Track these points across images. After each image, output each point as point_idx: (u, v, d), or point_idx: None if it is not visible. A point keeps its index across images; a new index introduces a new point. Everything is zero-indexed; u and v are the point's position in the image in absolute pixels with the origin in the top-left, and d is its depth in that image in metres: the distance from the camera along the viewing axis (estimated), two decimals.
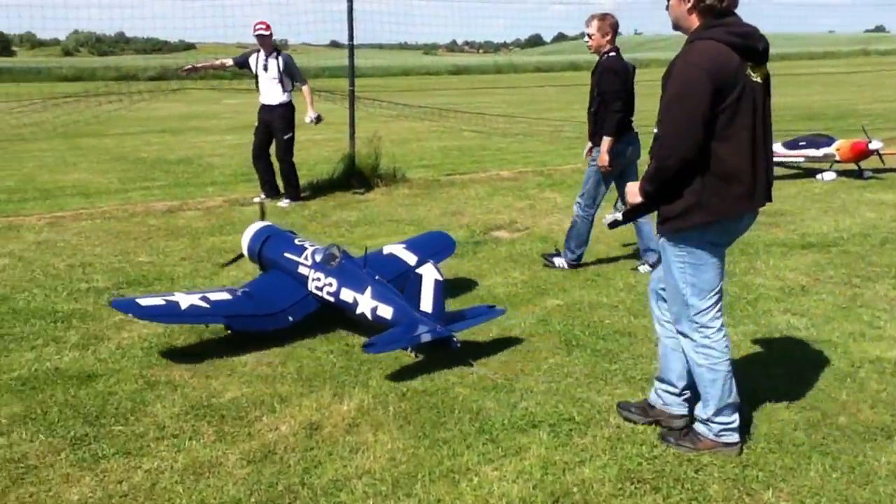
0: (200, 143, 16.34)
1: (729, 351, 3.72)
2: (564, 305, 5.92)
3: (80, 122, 13.42)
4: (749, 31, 3.42)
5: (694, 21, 3.47)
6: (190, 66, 9.53)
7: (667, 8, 3.60)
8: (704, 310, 3.62)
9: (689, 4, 3.46)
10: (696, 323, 3.64)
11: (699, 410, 3.79)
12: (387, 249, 6.08)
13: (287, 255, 5.65)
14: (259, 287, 5.51)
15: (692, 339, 3.68)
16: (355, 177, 10.50)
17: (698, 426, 3.79)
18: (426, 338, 4.73)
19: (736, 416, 3.74)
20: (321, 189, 10.37)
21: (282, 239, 5.86)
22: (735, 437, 3.74)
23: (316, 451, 3.85)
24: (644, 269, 6.68)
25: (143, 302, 5.00)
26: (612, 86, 6.38)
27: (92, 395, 4.43)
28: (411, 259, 5.87)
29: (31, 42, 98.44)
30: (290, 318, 5.22)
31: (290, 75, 9.45)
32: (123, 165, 13.03)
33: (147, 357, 4.98)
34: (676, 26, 3.58)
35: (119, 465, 3.72)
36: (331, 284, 5.25)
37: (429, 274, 4.81)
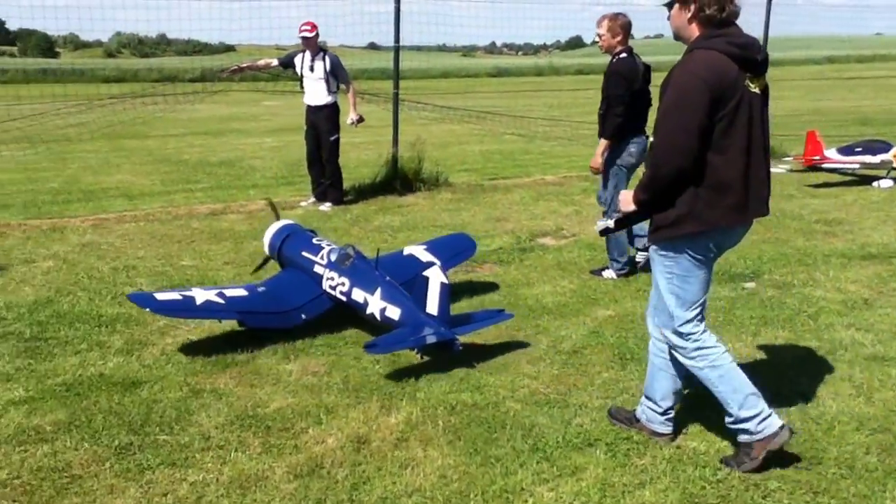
0: (241, 145, 16.37)
1: (721, 345, 3.67)
2: (616, 316, 5.74)
3: (126, 123, 13.50)
4: (748, 42, 3.42)
5: (694, 31, 3.48)
6: (235, 67, 9.46)
7: (668, 17, 3.60)
8: (688, 321, 3.63)
9: (690, 14, 3.47)
10: (682, 333, 3.64)
11: (728, 420, 3.67)
12: (407, 250, 6.09)
13: (304, 253, 5.71)
14: (275, 284, 5.61)
15: (684, 348, 3.67)
16: (398, 181, 10.39)
17: (739, 436, 3.65)
18: (430, 339, 4.70)
19: (762, 404, 3.59)
20: (363, 193, 10.28)
21: (301, 238, 5.93)
22: (775, 424, 3.57)
23: (364, 466, 3.73)
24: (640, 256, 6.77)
25: (160, 296, 5.13)
26: (616, 90, 6.30)
27: (136, 403, 4.35)
28: (430, 260, 5.84)
29: (75, 43, 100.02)
30: (303, 316, 5.29)
31: (336, 76, 9.36)
32: (166, 167, 13.08)
33: (191, 364, 4.90)
34: (677, 36, 3.58)
35: (164, 476, 3.63)
36: (343, 284, 5.31)
37: (435, 277, 4.82)
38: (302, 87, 9.54)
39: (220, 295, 5.20)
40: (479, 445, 3.89)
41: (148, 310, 5.10)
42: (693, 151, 3.33)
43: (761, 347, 5.15)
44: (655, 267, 3.69)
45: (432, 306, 4.81)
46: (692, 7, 3.45)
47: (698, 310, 3.64)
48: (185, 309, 5.07)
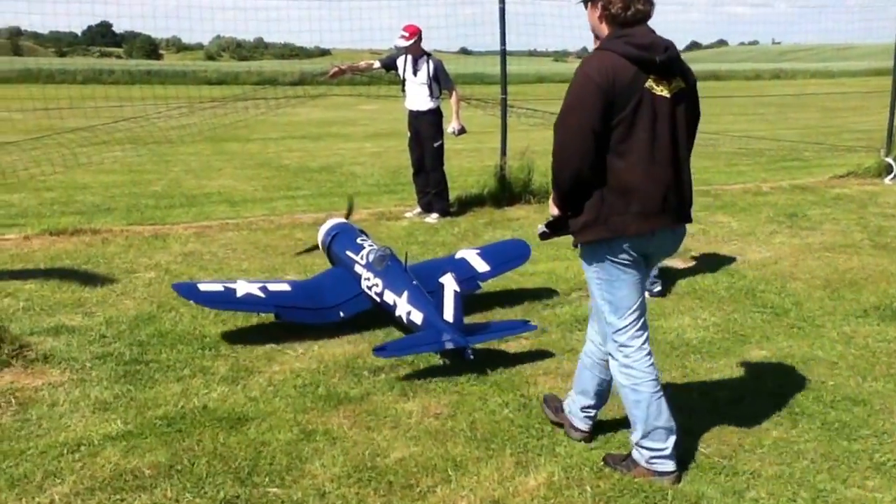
0: (341, 150, 16.11)
1: (653, 371, 3.55)
2: (772, 358, 5.03)
3: (228, 126, 13.34)
4: (650, 43, 3.27)
5: (604, 30, 3.40)
6: (336, 69, 9.02)
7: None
8: (623, 328, 3.53)
9: (598, 13, 3.41)
10: (616, 342, 3.56)
11: (632, 435, 3.66)
12: (459, 254, 6.11)
13: (348, 252, 5.82)
14: (318, 281, 5.76)
15: (616, 360, 3.60)
16: (507, 192, 9.83)
17: (633, 452, 3.64)
18: (448, 346, 4.68)
19: (669, 443, 3.54)
20: (468, 204, 9.74)
21: (348, 236, 6.04)
22: (669, 466, 3.55)
23: None
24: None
25: (203, 287, 5.32)
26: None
27: (243, 445, 3.91)
28: (481, 266, 5.92)
29: (177, 46, 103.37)
30: (342, 314, 5.38)
31: (439, 81, 8.86)
32: (267, 172, 12.86)
33: (301, 397, 4.44)
34: (595, 35, 3.50)
35: None
36: (377, 285, 5.38)
37: (448, 285, 4.80)
38: (403, 92, 9.08)
39: (263, 289, 5.32)
40: None
41: (192, 301, 5.27)
42: (588, 154, 3.26)
43: None
44: (586, 274, 3.61)
45: (448, 313, 4.78)
46: (598, 6, 3.39)
47: (634, 316, 3.52)
48: (226, 301, 5.19)
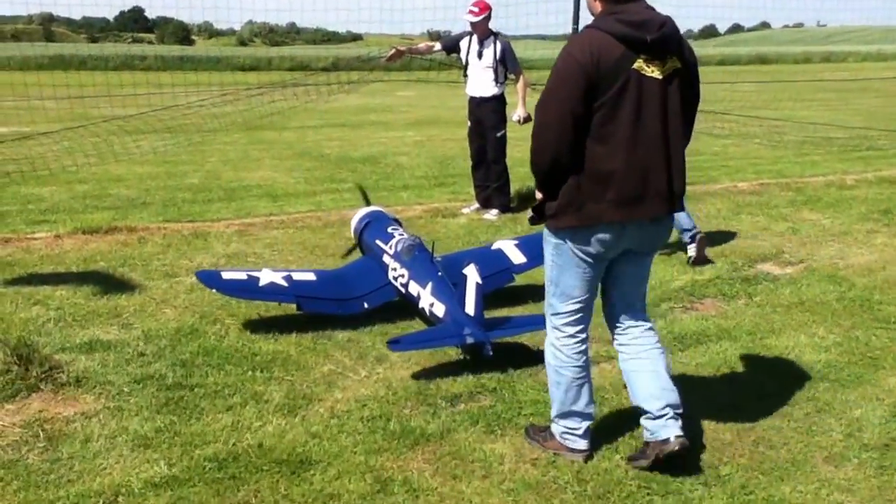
0: (382, 139, 15.45)
1: (579, 360, 3.47)
2: None
3: (266, 115, 12.77)
4: (643, 21, 3.07)
5: (598, 7, 3.21)
6: (394, 51, 8.30)
7: None
8: (561, 313, 3.46)
9: None
10: (552, 323, 3.52)
11: (551, 409, 3.63)
12: (496, 245, 5.88)
13: (378, 241, 5.67)
14: (346, 271, 5.67)
15: (549, 336, 3.56)
16: None
17: (552, 425, 3.63)
18: (469, 340, 4.44)
19: (583, 425, 3.53)
20: (529, 198, 9.01)
21: (379, 225, 5.89)
22: (581, 444, 3.55)
23: None
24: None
25: (227, 275, 5.22)
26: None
27: (309, 497, 3.28)
28: (518, 258, 5.64)
29: (209, 32, 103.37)
30: (366, 305, 5.21)
31: (506, 64, 8.12)
32: (308, 163, 12.23)
33: (371, 434, 3.79)
34: (591, 12, 3.30)
35: None
36: (403, 276, 5.20)
37: (471, 276, 4.60)
38: (465, 76, 8.35)
39: (287, 278, 5.19)
40: None
41: (215, 290, 5.11)
42: (568, 137, 3.11)
43: None
44: (544, 247, 3.48)
45: (469, 306, 4.57)
46: None
47: (576, 307, 3.43)
48: (247, 290, 5.06)
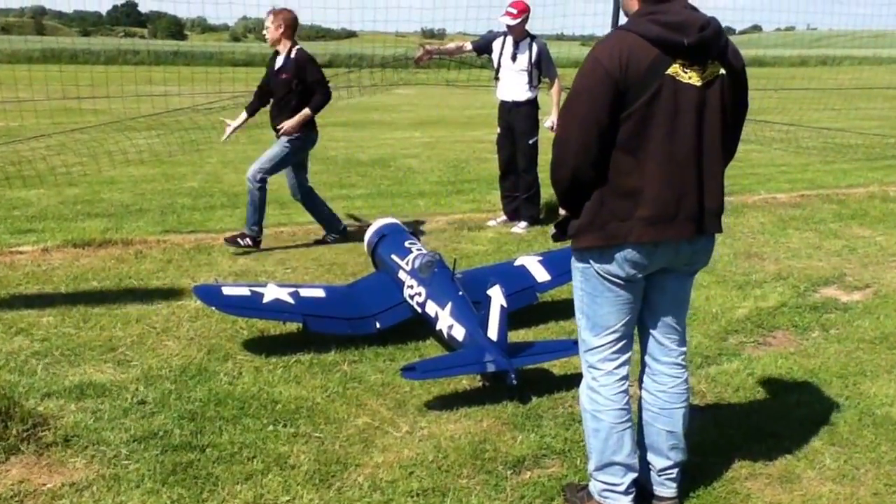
0: (388, 140, 14.77)
1: (621, 401, 3.07)
2: None
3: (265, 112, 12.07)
4: (681, 22, 2.75)
5: (634, 5, 2.90)
6: (424, 51, 7.63)
7: None
8: (596, 347, 3.10)
9: None
10: (587, 362, 3.15)
11: (588, 465, 3.21)
12: (519, 261, 5.51)
13: (393, 256, 5.31)
14: (358, 287, 5.29)
15: (584, 379, 3.18)
16: None
17: (590, 483, 3.20)
18: (490, 368, 4.08)
19: (626, 479, 3.10)
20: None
21: (395, 239, 5.53)
22: (623, 502, 3.09)
23: None
24: None
25: (228, 291, 4.82)
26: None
27: None
28: (542, 275, 5.27)
29: (203, 27, 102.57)
30: (378, 325, 4.82)
31: (540, 68, 7.49)
32: (314, 166, 11.37)
33: None
34: (625, 13, 2.99)
35: None
36: (420, 294, 4.83)
37: (496, 297, 4.16)
38: (497, 79, 7.70)
39: (294, 294, 4.82)
40: None
41: (214, 308, 4.76)
42: (590, 150, 2.81)
43: None
44: (573, 278, 3.14)
45: (493, 330, 4.16)
46: None
47: (612, 338, 3.06)
48: (250, 307, 4.69)
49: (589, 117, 2.79)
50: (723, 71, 2.85)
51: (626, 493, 3.10)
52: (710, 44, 2.79)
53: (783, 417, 3.92)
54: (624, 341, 3.09)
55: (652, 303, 3.10)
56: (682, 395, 3.15)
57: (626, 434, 3.09)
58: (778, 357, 4.69)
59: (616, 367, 3.08)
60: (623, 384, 3.09)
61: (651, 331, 3.14)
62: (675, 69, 2.77)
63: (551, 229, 3.21)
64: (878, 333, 5.10)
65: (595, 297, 3.03)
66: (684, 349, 3.17)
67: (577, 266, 3.08)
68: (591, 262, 2.97)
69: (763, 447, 3.63)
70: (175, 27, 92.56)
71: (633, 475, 3.11)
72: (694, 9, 2.86)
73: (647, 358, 3.19)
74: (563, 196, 3.00)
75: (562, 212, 3.09)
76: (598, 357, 3.09)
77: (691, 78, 2.79)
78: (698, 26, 2.76)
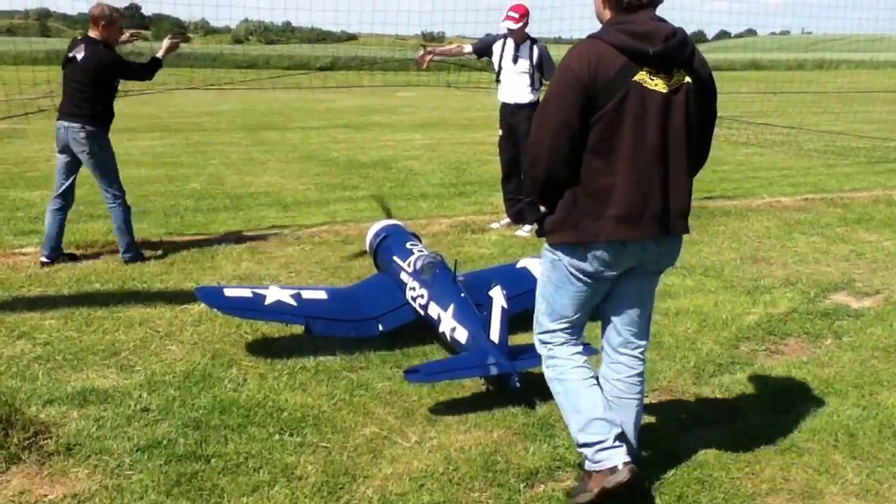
0: (389, 141, 14.71)
1: (579, 359, 3.24)
2: None
3: (265, 113, 12.03)
4: (647, 31, 2.88)
5: (606, 15, 3.04)
6: (426, 53, 7.59)
7: None
8: (550, 332, 3.28)
9: None
10: (541, 340, 3.31)
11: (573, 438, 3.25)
12: (521, 263, 5.46)
13: (395, 258, 5.25)
14: (360, 289, 5.23)
15: (542, 356, 3.34)
16: None
17: (581, 460, 3.23)
18: (493, 371, 4.04)
19: (612, 433, 3.09)
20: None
21: (397, 241, 5.45)
22: (618, 456, 3.05)
23: None
24: None
25: (229, 293, 4.80)
26: None
27: None
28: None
29: (205, 29, 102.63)
30: (381, 328, 4.79)
31: (542, 70, 7.44)
32: (316, 167, 11.47)
33: None
34: (598, 21, 3.11)
35: None
36: (423, 296, 4.78)
37: (497, 299, 4.17)
38: (497, 81, 7.66)
39: (296, 296, 4.77)
40: None
41: (216, 310, 4.76)
42: (561, 151, 2.96)
43: None
44: (542, 264, 3.30)
45: (494, 332, 4.16)
46: None
47: (564, 326, 3.25)
48: (252, 309, 4.65)
49: (560, 119, 2.93)
50: (688, 79, 2.97)
51: (615, 445, 3.10)
52: (675, 54, 2.92)
53: (801, 429, 3.84)
54: (576, 328, 3.28)
55: (617, 298, 3.22)
56: (636, 387, 3.28)
57: (596, 390, 3.21)
58: (791, 366, 4.62)
59: (568, 338, 3.27)
60: (579, 347, 3.29)
61: (614, 324, 3.26)
62: (641, 76, 2.90)
63: (535, 225, 3.23)
64: (892, 341, 5.03)
65: (559, 288, 3.19)
66: (644, 343, 3.29)
67: (547, 255, 3.22)
68: (562, 256, 3.12)
69: (783, 461, 3.55)
70: (178, 29, 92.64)
71: (617, 429, 3.12)
72: (661, 20, 2.99)
73: (607, 348, 3.32)
74: (538, 192, 3.16)
75: (542, 208, 3.21)
76: (549, 336, 3.29)
77: (657, 85, 2.92)
78: (663, 36, 2.90)
